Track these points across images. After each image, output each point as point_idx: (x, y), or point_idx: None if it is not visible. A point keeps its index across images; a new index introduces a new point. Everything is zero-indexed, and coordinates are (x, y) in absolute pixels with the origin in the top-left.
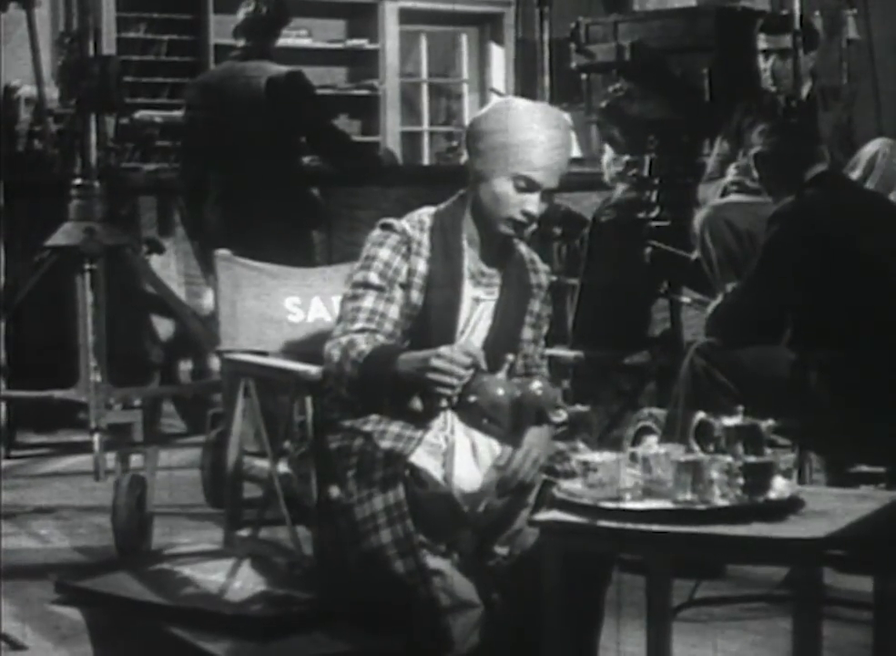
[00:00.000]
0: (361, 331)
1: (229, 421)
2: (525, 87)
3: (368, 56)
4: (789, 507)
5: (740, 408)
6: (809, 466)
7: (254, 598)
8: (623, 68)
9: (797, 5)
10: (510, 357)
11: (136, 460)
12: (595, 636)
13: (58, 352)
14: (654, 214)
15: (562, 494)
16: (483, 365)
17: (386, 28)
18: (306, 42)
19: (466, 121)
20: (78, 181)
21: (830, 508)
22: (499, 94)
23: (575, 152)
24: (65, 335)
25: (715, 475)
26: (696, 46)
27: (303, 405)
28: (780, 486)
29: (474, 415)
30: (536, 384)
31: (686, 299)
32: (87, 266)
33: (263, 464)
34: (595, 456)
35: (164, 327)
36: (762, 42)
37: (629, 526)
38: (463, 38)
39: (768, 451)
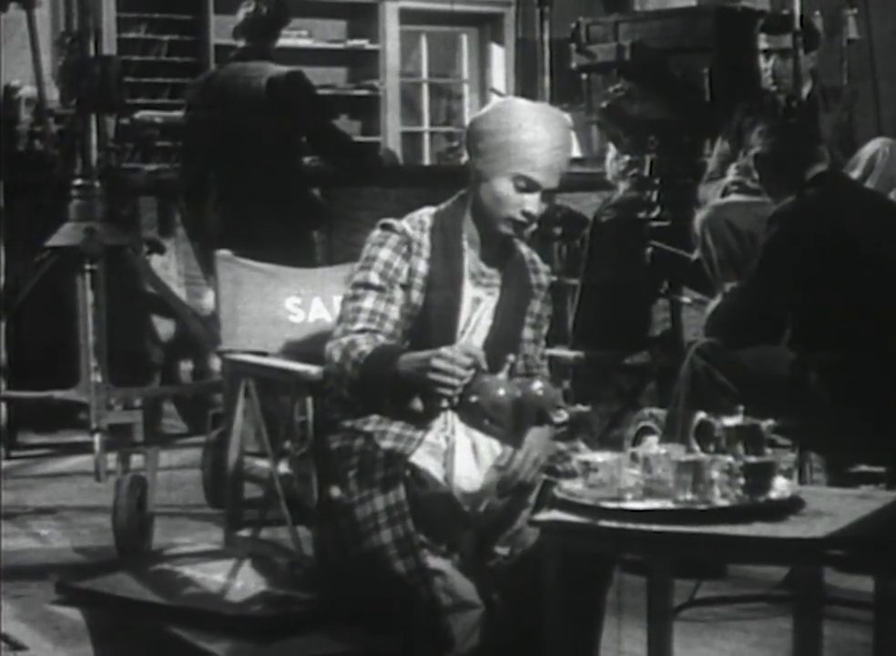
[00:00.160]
0: (362, 331)
1: (229, 421)
2: (526, 87)
3: (368, 57)
4: (790, 507)
5: (741, 408)
6: (810, 466)
7: (255, 598)
8: (623, 68)
9: (797, 5)
10: (511, 357)
11: (136, 460)
12: (595, 636)
13: (59, 352)
14: (654, 214)
15: (562, 494)
16: (484, 366)
17: (386, 28)
18: (306, 42)
19: (467, 121)
20: (79, 182)
21: (831, 508)
22: (499, 94)
23: (576, 152)
24: (65, 336)
25: (715, 475)
26: (696, 47)
27: (304, 406)
28: (781, 486)
29: (475, 416)
30: (537, 385)
31: (686, 299)
32: (88, 266)
33: (264, 464)
34: (596, 456)
35: (165, 327)
36: (763, 42)
37: (630, 526)
38: (464, 38)
39: (769, 451)
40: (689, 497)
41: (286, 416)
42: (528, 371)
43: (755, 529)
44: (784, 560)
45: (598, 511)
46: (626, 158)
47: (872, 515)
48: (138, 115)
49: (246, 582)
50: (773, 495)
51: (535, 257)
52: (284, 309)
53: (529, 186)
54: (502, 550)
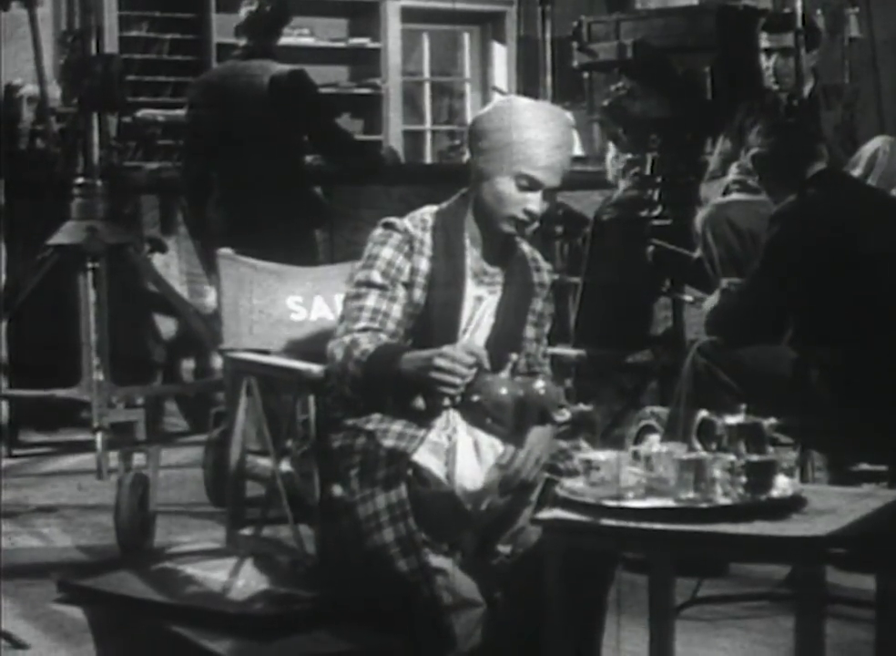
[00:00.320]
0: (364, 330)
1: (231, 420)
2: (528, 85)
3: (370, 55)
4: (792, 505)
5: (742, 407)
6: (812, 465)
7: (257, 596)
8: (625, 67)
9: (799, 4)
10: (513, 356)
11: (138, 459)
12: (597, 635)
13: (61, 351)
14: (656, 213)
15: (564, 492)
16: (487, 365)
17: (388, 27)
18: (308, 41)
19: (468, 120)
20: (81, 180)
21: (833, 507)
22: (501, 92)
23: (577, 151)
24: (67, 334)
25: (717, 473)
26: (698, 45)
27: (306, 404)
28: (783, 485)
29: (478, 415)
30: (539, 384)
31: (688, 297)
32: (90, 265)
33: (266, 462)
34: (598, 455)
35: (166, 326)
36: (764, 41)
37: (632, 524)
38: (466, 37)
39: (771, 449)
40: (691, 495)
41: (288, 415)
42: (530, 369)
43: (757, 528)
44: (786, 559)
45: (600, 510)
46: (626, 156)
47: (874, 513)
48: (140, 113)
49: (248, 581)
50: (775, 493)
51: (537, 255)
52: (286, 307)
53: (531, 184)
54: (504, 549)
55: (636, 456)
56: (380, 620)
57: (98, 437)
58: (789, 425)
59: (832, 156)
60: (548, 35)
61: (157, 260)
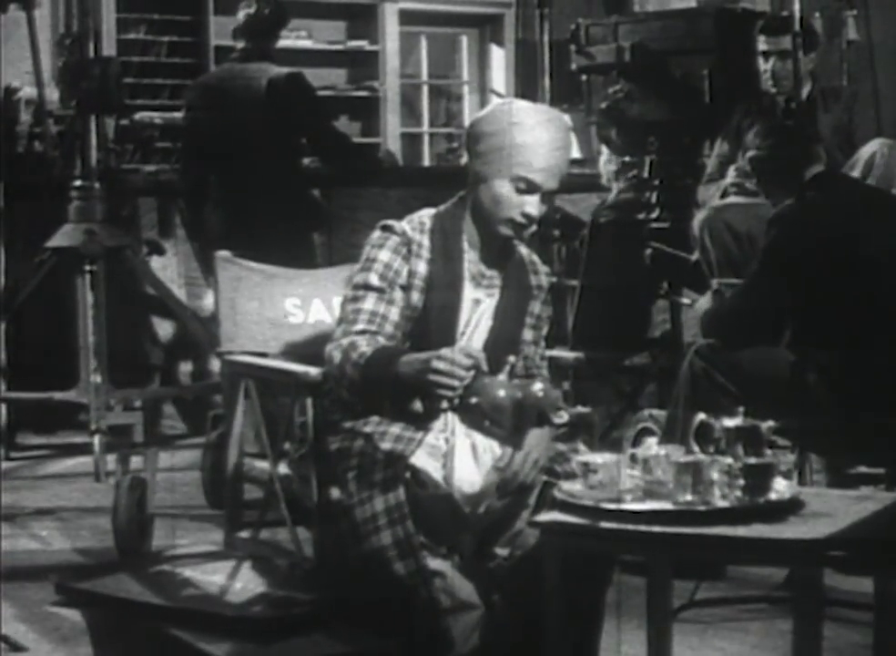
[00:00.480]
0: (362, 332)
1: (229, 422)
2: (526, 88)
3: (368, 58)
4: (790, 508)
5: (740, 409)
6: (810, 467)
7: (255, 599)
8: (623, 70)
9: (797, 7)
10: (511, 359)
11: (136, 461)
12: (595, 637)
13: (58, 353)
14: (654, 215)
15: (562, 495)
16: (485, 367)
17: (386, 30)
18: (306, 43)
19: (466, 123)
20: (79, 183)
21: (831, 509)
22: (499, 95)
23: (576, 154)
24: (65, 337)
25: (715, 476)
26: (696, 48)
27: (304, 407)
28: (780, 487)
29: (476, 417)
30: (538, 386)
31: (686, 300)
32: (88, 267)
33: (264, 465)
34: (596, 458)
35: (164, 328)
36: (762, 44)
37: (629, 527)
38: (464, 40)
39: (769, 452)
40: (689, 498)
41: (286, 417)
42: (528, 372)
43: (754, 530)
44: (784, 561)
45: (598, 512)
46: (619, 159)
47: (872, 516)
48: (138, 116)
49: (246, 583)
50: (773, 496)
51: (535, 258)
52: (284, 310)
53: (529, 187)
54: (502, 551)
55: (633, 458)
56: (378, 622)
57: (96, 440)
58: (787, 427)
59: (830, 158)
60: (546, 38)
61: (155, 262)
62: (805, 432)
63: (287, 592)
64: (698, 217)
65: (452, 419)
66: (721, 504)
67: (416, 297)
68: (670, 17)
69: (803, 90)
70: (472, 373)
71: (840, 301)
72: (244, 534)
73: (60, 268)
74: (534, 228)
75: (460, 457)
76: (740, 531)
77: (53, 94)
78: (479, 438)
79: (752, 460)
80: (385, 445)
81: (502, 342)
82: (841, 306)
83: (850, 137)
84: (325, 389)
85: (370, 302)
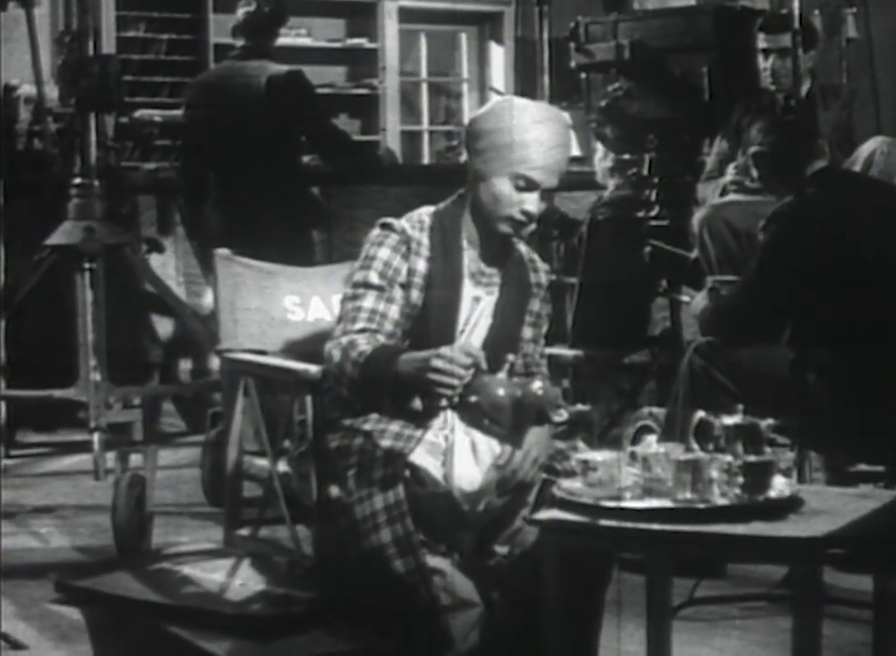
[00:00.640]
0: (362, 331)
1: (228, 420)
2: (525, 86)
3: (367, 55)
4: (789, 505)
5: (740, 407)
6: (809, 465)
7: (254, 597)
8: (622, 67)
9: (796, 4)
10: (510, 357)
11: (135, 459)
12: (594, 635)
13: (58, 351)
14: (653, 213)
15: (562, 493)
16: (484, 365)
17: (385, 27)
18: (306, 41)
19: (466, 120)
20: (78, 180)
21: (830, 507)
22: (499, 93)
23: (575, 151)
24: (64, 334)
25: (714, 474)
26: (695, 45)
27: (303, 404)
28: (780, 485)
29: (475, 416)
30: (537, 384)
31: (685, 298)
32: (87, 265)
33: (263, 463)
34: (595, 455)
35: (164, 326)
36: (762, 41)
37: (629, 525)
38: (463, 37)
39: (768, 450)
40: (688, 495)
41: (285, 415)
42: (528, 370)
43: (754, 528)
44: (783, 559)
45: (597, 510)
46: (614, 156)
47: (871, 514)
48: (138, 113)
49: (245, 581)
50: (772, 494)
51: (535, 256)
52: (283, 307)
53: (528, 185)
54: (501, 549)
55: (633, 456)
56: (377, 620)
57: (95, 438)
58: (787, 425)
59: (830, 156)
60: (545, 36)
61: (155, 260)
62: (805, 430)
63: (286, 590)
64: (698, 215)
65: (451, 417)
66: (721, 502)
67: (416, 295)
68: (670, 15)
69: (802, 88)
70: (471, 371)
71: (839, 298)
72: (243, 532)
73: (60, 265)
74: (533, 226)
75: (459, 455)
76: (740, 529)
77: (52, 92)
78: (478, 436)
79: (752, 458)
80: (385, 443)
81: (501, 339)
82: (841, 304)
83: (850, 135)
84: (325, 387)
85: (369, 301)
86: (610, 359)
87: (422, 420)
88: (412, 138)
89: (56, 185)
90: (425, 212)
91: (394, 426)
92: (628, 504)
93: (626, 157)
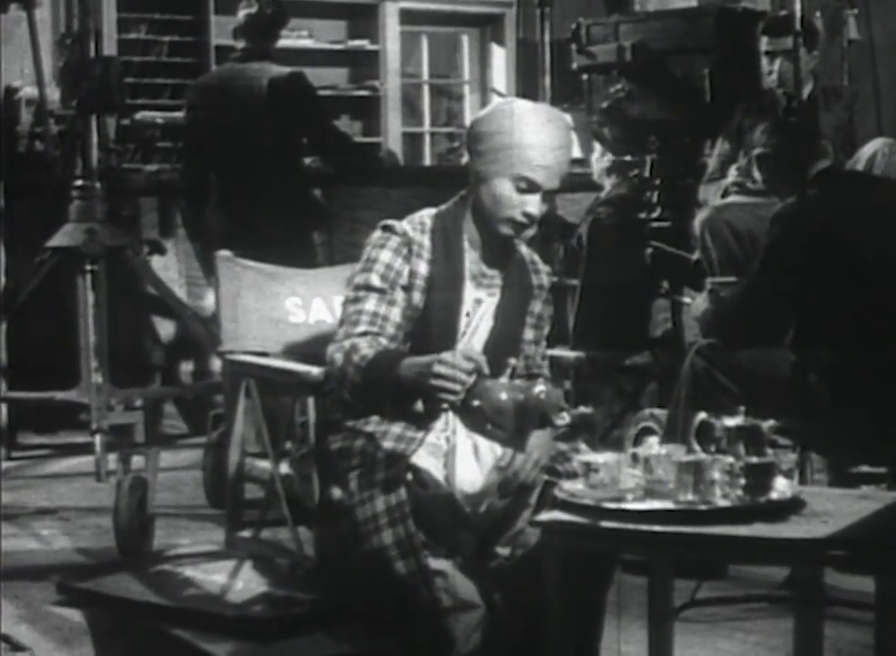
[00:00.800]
0: (364, 334)
1: (230, 422)
2: (526, 87)
3: (369, 57)
4: (791, 507)
5: (741, 409)
6: (811, 467)
7: (256, 599)
8: (624, 69)
9: (797, 6)
10: (512, 361)
11: (137, 461)
12: (596, 636)
13: (59, 353)
14: (655, 215)
15: (563, 494)
16: (486, 370)
17: (387, 29)
18: (307, 43)
19: (467, 122)
20: (79, 182)
21: (832, 509)
22: (500, 95)
23: (576, 153)
24: (66, 336)
25: (716, 475)
26: (697, 47)
27: (305, 406)
28: (782, 487)
29: (478, 420)
30: (539, 388)
31: (687, 299)
32: (89, 267)
33: (265, 465)
34: (597, 457)
35: (165, 328)
36: (766, 44)
37: (631, 526)
38: (465, 39)
39: (770, 451)
40: (690, 497)
41: (287, 417)
42: (529, 372)
43: (756, 530)
44: (785, 561)
45: (599, 512)
46: (610, 156)
47: (873, 515)
48: (139, 115)
49: (247, 583)
50: (774, 495)
51: (536, 258)
52: (284, 309)
53: (530, 187)
54: (503, 551)
55: (635, 458)
56: (379, 622)
57: (97, 439)
58: (789, 427)
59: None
60: (547, 38)
61: (156, 262)
62: (806, 431)
63: (288, 592)
64: (699, 216)
65: (453, 419)
66: (722, 503)
67: (417, 297)
68: (671, 17)
69: (804, 89)
70: (473, 376)
71: (841, 300)
72: (245, 533)
73: (61, 267)
74: (534, 228)
75: (461, 457)
76: (741, 531)
77: (54, 93)
78: (480, 438)
79: (753, 459)
80: (386, 445)
81: (503, 341)
82: (843, 305)
83: (851, 136)
84: (326, 389)
85: (371, 303)
86: (612, 361)
87: (423, 422)
88: (413, 140)
89: (57, 187)
90: (427, 214)
91: (396, 428)
92: (630, 505)
93: (628, 158)
